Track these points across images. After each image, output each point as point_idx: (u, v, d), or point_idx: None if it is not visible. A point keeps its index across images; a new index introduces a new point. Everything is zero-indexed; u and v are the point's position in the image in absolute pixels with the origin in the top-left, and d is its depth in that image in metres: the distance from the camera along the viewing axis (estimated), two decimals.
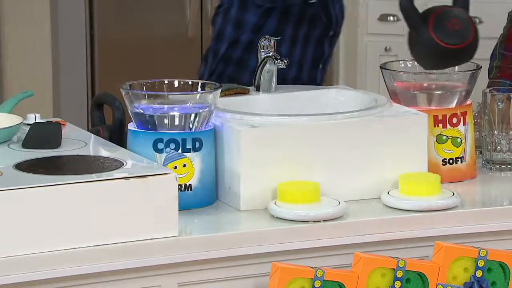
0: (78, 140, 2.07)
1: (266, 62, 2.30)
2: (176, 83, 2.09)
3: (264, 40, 2.29)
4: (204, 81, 2.09)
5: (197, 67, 2.68)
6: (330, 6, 2.39)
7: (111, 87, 2.40)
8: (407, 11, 1.98)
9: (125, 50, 3.94)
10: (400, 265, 1.82)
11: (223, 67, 2.38)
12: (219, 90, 2.04)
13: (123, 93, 2.03)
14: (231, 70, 2.37)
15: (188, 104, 2.02)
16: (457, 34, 1.96)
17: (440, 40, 1.95)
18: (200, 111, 2.01)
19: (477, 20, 3.93)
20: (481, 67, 2.25)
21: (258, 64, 2.31)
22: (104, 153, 2.01)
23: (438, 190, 2.04)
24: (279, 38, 2.30)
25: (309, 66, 2.46)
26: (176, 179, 1.85)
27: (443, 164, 2.18)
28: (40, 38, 3.80)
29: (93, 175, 1.83)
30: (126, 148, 2.03)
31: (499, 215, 2.03)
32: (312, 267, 1.79)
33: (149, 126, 2.00)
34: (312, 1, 2.21)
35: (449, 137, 2.18)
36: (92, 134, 2.14)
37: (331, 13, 2.39)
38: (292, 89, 2.35)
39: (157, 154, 1.98)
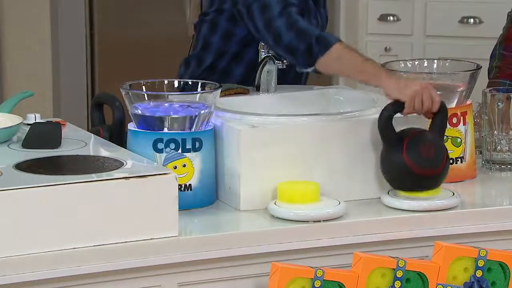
0: (78, 140, 2.07)
1: (266, 62, 2.30)
2: (176, 83, 2.09)
3: None
4: (204, 81, 2.09)
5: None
6: (318, 13, 2.39)
7: (111, 87, 2.40)
8: (385, 129, 2.02)
9: (125, 50, 3.94)
10: (400, 265, 1.82)
11: (207, 75, 2.37)
12: (219, 90, 2.04)
13: (123, 93, 2.03)
14: (216, 79, 2.36)
15: (188, 104, 2.01)
16: (429, 161, 2.00)
17: (413, 164, 1.99)
18: (200, 111, 2.01)
19: (477, 20, 3.93)
20: (481, 67, 2.25)
21: (257, 64, 2.31)
22: (104, 153, 2.01)
23: (437, 190, 2.04)
24: None
25: (294, 70, 2.46)
26: (176, 179, 1.85)
27: None
28: (40, 38, 3.80)
29: (93, 175, 1.83)
30: (126, 148, 2.03)
31: (499, 215, 2.03)
32: (312, 267, 1.79)
33: (149, 126, 2.00)
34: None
35: (449, 137, 2.18)
36: (92, 134, 2.14)
37: (318, 20, 2.40)
38: (292, 89, 2.35)
39: (157, 154, 1.98)
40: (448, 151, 2.12)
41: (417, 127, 2.06)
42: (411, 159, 1.99)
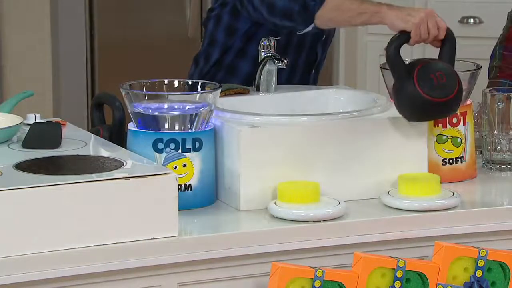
0: (78, 140, 2.07)
1: (266, 62, 2.30)
2: (176, 83, 2.09)
3: (264, 40, 2.28)
4: (204, 81, 2.09)
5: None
6: None
7: (111, 87, 2.40)
8: (393, 61, 1.99)
9: (125, 50, 3.94)
10: (400, 265, 1.82)
11: (214, 72, 2.38)
12: (219, 90, 2.04)
13: (123, 93, 2.03)
14: (222, 75, 2.36)
15: (188, 104, 2.01)
16: (442, 87, 1.98)
17: (424, 93, 1.97)
18: (200, 111, 2.01)
19: (477, 20, 3.93)
20: (481, 67, 2.25)
21: (258, 64, 2.31)
22: (104, 153, 2.01)
23: (437, 190, 2.04)
24: (278, 38, 2.30)
25: (302, 71, 2.45)
26: (176, 179, 1.85)
27: (443, 164, 2.18)
28: (40, 38, 3.80)
29: (93, 175, 1.83)
30: (126, 148, 2.03)
31: (499, 215, 2.03)
32: (312, 267, 1.79)
33: (149, 126, 2.00)
34: (300, 32, 2.21)
35: (449, 137, 2.18)
36: (92, 134, 2.14)
37: None
38: (292, 89, 2.35)
39: (157, 154, 1.98)
40: (448, 152, 2.13)
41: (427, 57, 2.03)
42: (423, 87, 1.96)
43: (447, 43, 2.03)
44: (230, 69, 2.39)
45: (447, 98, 1.97)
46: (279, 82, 2.34)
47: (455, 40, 2.05)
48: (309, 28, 2.17)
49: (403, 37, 2.01)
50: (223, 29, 2.37)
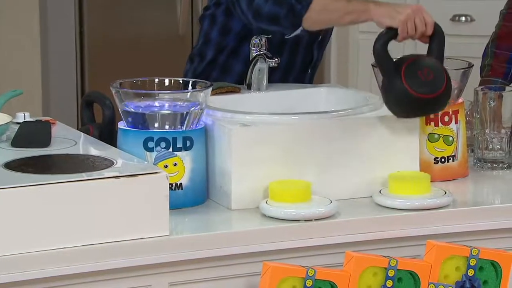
0: (67, 139, 2.07)
1: (257, 60, 2.30)
2: (166, 82, 2.09)
3: (256, 38, 2.29)
4: (195, 80, 2.09)
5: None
6: None
7: (101, 85, 2.40)
8: (381, 57, 2.00)
9: (115, 48, 3.93)
10: (392, 264, 1.82)
11: (209, 71, 2.38)
12: (210, 89, 2.04)
13: (113, 92, 2.03)
14: (216, 75, 2.36)
15: (178, 103, 2.02)
16: (429, 84, 1.98)
17: (411, 89, 1.97)
18: (191, 109, 2.01)
19: (469, 18, 3.94)
20: (472, 65, 2.25)
21: (249, 63, 2.31)
22: (94, 152, 2.01)
23: (427, 189, 2.04)
24: (270, 36, 2.30)
25: (297, 71, 2.45)
26: (167, 178, 1.85)
27: (435, 163, 2.18)
28: (29, 36, 3.79)
29: (83, 174, 1.83)
30: (116, 147, 2.03)
31: (490, 214, 2.04)
32: (303, 266, 1.79)
33: (140, 125, 2.00)
34: (288, 37, 2.22)
35: (441, 135, 2.18)
36: (82, 133, 2.13)
37: None
38: (283, 88, 2.35)
39: (148, 153, 1.98)
40: (440, 150, 2.13)
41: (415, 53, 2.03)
42: (410, 83, 1.96)
43: (435, 39, 2.03)
44: (224, 69, 2.39)
45: (434, 94, 1.97)
46: (274, 81, 2.34)
47: (444, 36, 2.05)
48: (298, 31, 2.17)
49: (390, 33, 2.01)
50: (217, 29, 2.37)
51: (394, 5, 2.07)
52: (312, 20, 2.13)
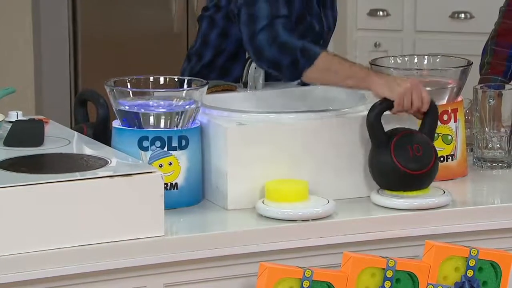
0: (61, 138, 2.07)
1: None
2: (161, 80, 2.10)
3: None
4: (190, 78, 2.09)
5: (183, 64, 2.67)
6: (324, 16, 2.38)
7: (95, 84, 2.40)
8: (373, 128, 2.03)
9: (109, 46, 3.94)
10: (390, 265, 1.83)
11: (207, 73, 2.38)
12: (206, 87, 2.05)
13: (108, 90, 2.03)
14: (215, 77, 2.36)
15: (174, 101, 2.02)
16: (417, 160, 2.01)
17: (398, 163, 2.01)
18: (186, 108, 2.01)
19: (469, 15, 3.94)
20: (472, 63, 2.26)
21: (245, 60, 2.31)
22: (88, 151, 2.01)
23: (427, 189, 2.05)
24: None
25: None
26: (162, 177, 1.85)
27: None
28: (22, 34, 3.79)
29: (77, 173, 1.83)
30: (110, 146, 2.03)
31: (490, 214, 2.04)
32: (300, 267, 1.80)
33: (134, 124, 2.00)
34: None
35: (439, 134, 2.19)
36: (76, 132, 2.14)
37: (324, 23, 2.38)
38: (280, 86, 2.35)
39: (142, 152, 1.98)
40: (438, 149, 2.13)
41: (408, 127, 2.07)
42: (398, 158, 2.01)
43: (429, 116, 2.07)
44: (222, 71, 2.39)
45: (420, 171, 2.01)
46: (273, 79, 2.34)
47: (438, 114, 2.09)
48: (295, 82, 2.20)
49: (386, 104, 2.05)
50: (217, 32, 2.37)
51: (394, 77, 2.10)
52: (312, 78, 2.15)
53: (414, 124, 2.09)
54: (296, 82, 2.25)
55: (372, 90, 2.08)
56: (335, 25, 2.46)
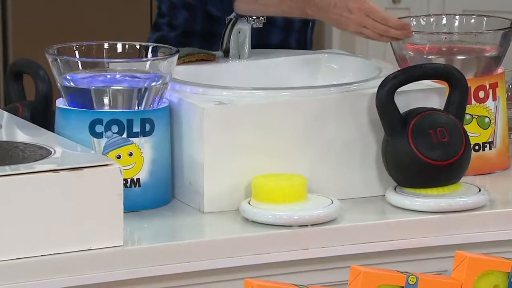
0: None
1: (236, 20, 2.33)
2: (119, 47, 2.11)
3: None
4: (156, 45, 2.11)
5: (146, 29, 2.68)
6: None
7: (32, 51, 2.43)
8: (384, 109, 2.03)
9: (49, 5, 3.93)
10: (411, 282, 1.86)
11: (183, 40, 2.39)
12: (176, 57, 2.07)
13: (50, 60, 2.06)
14: (195, 43, 2.38)
15: (135, 75, 2.05)
16: (443, 147, 2.02)
17: (420, 153, 2.02)
18: (151, 84, 2.04)
19: None
20: None
21: (226, 23, 2.34)
22: (24, 138, 2.03)
23: (457, 185, 2.08)
24: None
25: (298, 26, 2.47)
26: (121, 171, 1.88)
27: None
28: None
29: (7, 167, 1.84)
30: (54, 132, 2.06)
31: None
32: (296, 285, 1.83)
33: (84, 103, 2.03)
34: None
35: (474, 116, 2.22)
36: (7, 113, 2.16)
37: None
38: (270, 55, 2.37)
39: (95, 139, 2.01)
40: (472, 135, 2.16)
41: (429, 106, 2.09)
42: (418, 146, 2.02)
43: (457, 89, 2.07)
44: (204, 36, 2.41)
45: (447, 161, 2.02)
46: (271, 44, 2.37)
47: (468, 88, 2.08)
48: (231, 15, 2.27)
49: (400, 78, 2.04)
50: None
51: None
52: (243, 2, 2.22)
53: (439, 102, 2.12)
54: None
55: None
56: None
